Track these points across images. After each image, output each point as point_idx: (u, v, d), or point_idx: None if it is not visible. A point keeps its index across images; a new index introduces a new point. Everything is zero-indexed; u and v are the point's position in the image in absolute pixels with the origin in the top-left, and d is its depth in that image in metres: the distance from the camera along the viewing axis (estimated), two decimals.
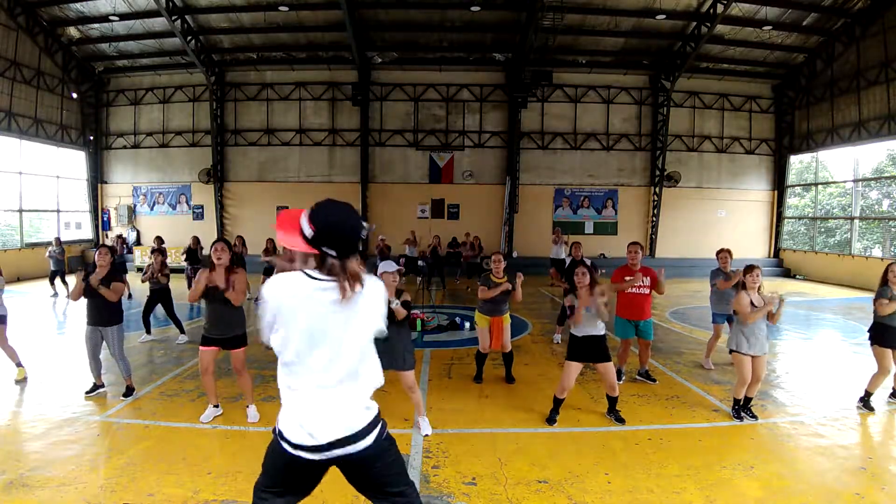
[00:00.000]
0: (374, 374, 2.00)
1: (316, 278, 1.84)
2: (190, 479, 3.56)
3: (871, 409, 5.02)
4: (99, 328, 5.15)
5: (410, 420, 4.63)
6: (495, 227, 18.11)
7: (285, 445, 1.89)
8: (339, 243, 1.83)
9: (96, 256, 5.15)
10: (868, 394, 5.08)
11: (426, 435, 4.34)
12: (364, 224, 1.89)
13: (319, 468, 1.95)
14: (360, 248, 1.89)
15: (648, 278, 5.75)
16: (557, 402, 4.69)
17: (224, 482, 3.53)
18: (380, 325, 1.98)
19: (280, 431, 1.91)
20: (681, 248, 18.20)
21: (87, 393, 5.22)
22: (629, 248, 5.87)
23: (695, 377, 6.10)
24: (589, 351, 4.56)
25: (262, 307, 1.90)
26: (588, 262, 5.43)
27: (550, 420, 4.68)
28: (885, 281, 4.99)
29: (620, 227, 18.31)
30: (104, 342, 5.22)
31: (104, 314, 5.14)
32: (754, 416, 4.80)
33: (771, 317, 4.66)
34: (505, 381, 5.87)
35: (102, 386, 5.34)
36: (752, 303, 4.62)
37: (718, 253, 6.54)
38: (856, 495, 3.47)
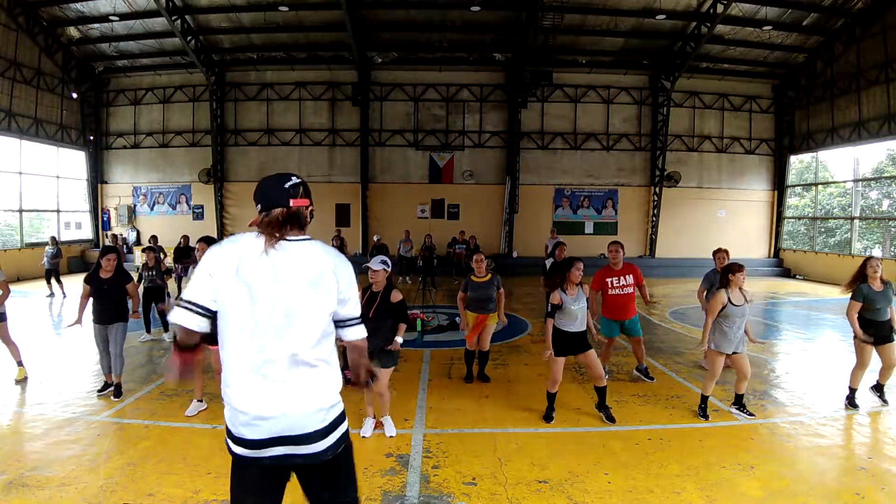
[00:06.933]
0: (333, 366, 1.82)
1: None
2: (190, 479, 3.56)
3: (856, 407, 5.03)
4: (105, 325, 5.21)
5: (411, 420, 4.63)
6: (495, 227, 18.11)
7: (229, 443, 1.76)
8: (262, 194, 1.83)
9: (103, 261, 5.22)
10: (852, 390, 5.11)
11: (391, 436, 4.27)
12: (294, 177, 1.84)
13: (271, 475, 1.75)
14: (288, 201, 1.79)
15: (631, 276, 5.70)
16: (551, 398, 4.72)
17: (224, 482, 3.50)
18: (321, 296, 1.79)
19: (226, 427, 1.78)
20: (681, 248, 18.18)
21: (98, 392, 5.27)
22: (610, 247, 5.79)
23: (695, 377, 6.10)
24: (571, 344, 4.60)
25: None
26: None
27: (547, 418, 4.70)
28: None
29: (620, 228, 18.28)
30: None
31: (111, 312, 5.22)
32: (750, 414, 4.81)
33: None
34: (478, 379, 5.81)
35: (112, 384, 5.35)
36: (730, 300, 4.58)
37: (715, 253, 6.12)
38: (856, 495, 3.47)
